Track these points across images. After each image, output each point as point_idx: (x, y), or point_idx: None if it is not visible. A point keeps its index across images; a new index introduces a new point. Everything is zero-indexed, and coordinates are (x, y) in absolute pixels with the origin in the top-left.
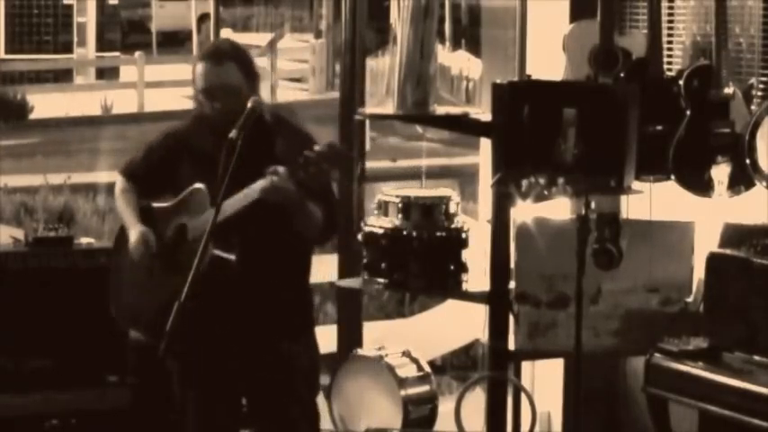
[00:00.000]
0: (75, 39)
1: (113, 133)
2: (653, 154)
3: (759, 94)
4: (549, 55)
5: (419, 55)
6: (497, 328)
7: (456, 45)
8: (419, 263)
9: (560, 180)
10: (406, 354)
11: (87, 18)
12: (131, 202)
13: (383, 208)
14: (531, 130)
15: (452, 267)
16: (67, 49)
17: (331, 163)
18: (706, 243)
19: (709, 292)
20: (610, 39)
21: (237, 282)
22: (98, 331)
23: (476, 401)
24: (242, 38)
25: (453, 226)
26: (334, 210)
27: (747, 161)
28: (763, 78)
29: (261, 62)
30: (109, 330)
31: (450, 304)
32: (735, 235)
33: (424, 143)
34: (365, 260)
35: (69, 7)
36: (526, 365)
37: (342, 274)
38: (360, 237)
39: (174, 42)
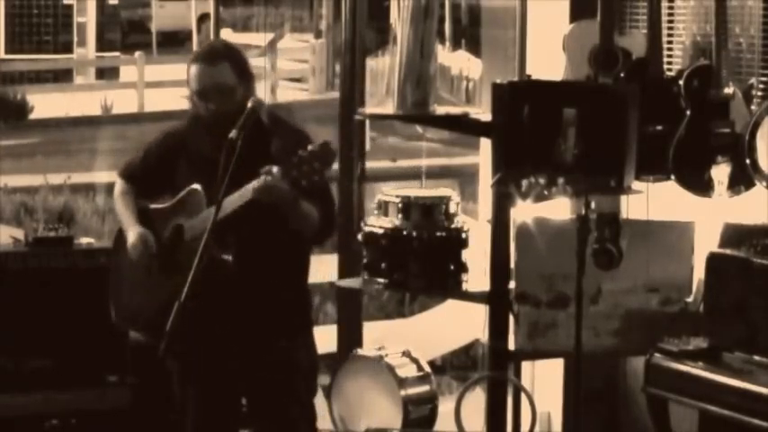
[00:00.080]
0: (75, 39)
1: (113, 133)
2: (653, 154)
3: (759, 94)
4: (549, 55)
5: (419, 55)
6: (497, 328)
7: (456, 45)
8: (419, 263)
9: (560, 180)
10: (406, 354)
11: (87, 18)
12: (130, 203)
13: (383, 208)
14: (531, 130)
15: (452, 267)
16: (67, 49)
17: (324, 162)
18: (706, 243)
19: (709, 292)
20: (610, 39)
21: (235, 282)
22: (98, 331)
23: (476, 401)
24: (242, 38)
25: (453, 226)
26: (332, 209)
27: (747, 161)
28: (763, 78)
29: (261, 62)
30: (109, 330)
31: (450, 304)
32: (735, 235)
33: (424, 143)
34: (365, 260)
35: (69, 7)
36: (526, 365)
37: (342, 274)
38: (360, 237)
39: (174, 42)
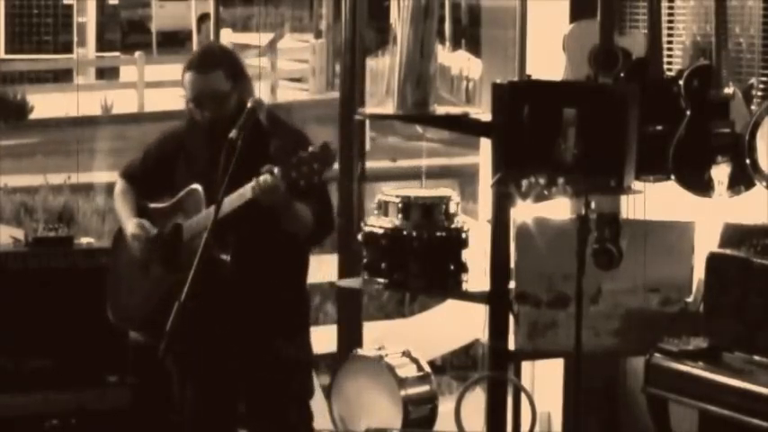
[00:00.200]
0: (75, 39)
1: (113, 133)
2: (653, 154)
3: (759, 94)
4: (549, 55)
5: (419, 55)
6: (497, 328)
7: (456, 45)
8: (419, 263)
9: (560, 180)
10: (406, 354)
11: (87, 18)
12: (129, 201)
13: (383, 208)
14: (531, 130)
15: (452, 267)
16: (67, 49)
17: (324, 163)
18: (706, 243)
19: (709, 292)
20: (610, 39)
21: (233, 282)
22: (98, 331)
23: (476, 401)
24: (242, 38)
25: (453, 226)
26: (328, 210)
27: (747, 161)
28: (763, 78)
29: (261, 62)
30: (109, 330)
31: (450, 304)
32: (735, 235)
33: (424, 143)
34: (365, 260)
35: (69, 7)
36: (526, 365)
37: (342, 274)
38: (360, 237)
39: (174, 42)
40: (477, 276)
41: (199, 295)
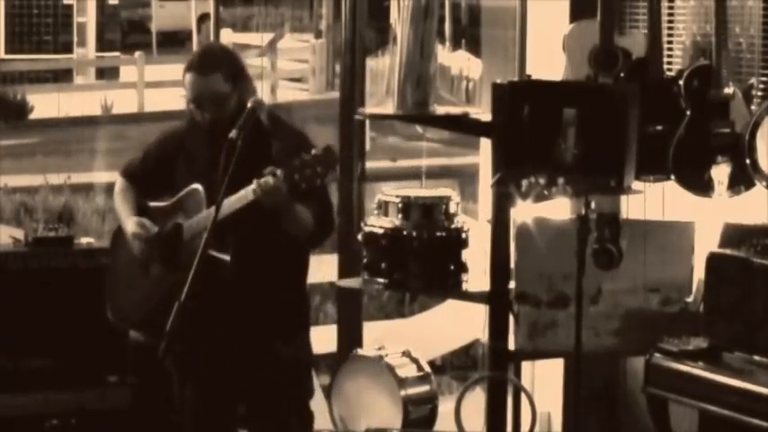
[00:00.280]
0: (75, 39)
1: (113, 133)
2: (653, 154)
3: (759, 94)
4: (549, 55)
5: (419, 55)
6: (497, 328)
7: (456, 45)
8: (419, 263)
9: (560, 180)
10: (406, 354)
11: (87, 18)
12: (129, 200)
13: (383, 208)
14: (531, 130)
15: (452, 267)
16: (67, 49)
17: (327, 166)
18: (706, 243)
19: (709, 292)
20: (610, 39)
21: (233, 282)
22: (98, 331)
23: (476, 401)
24: (242, 38)
25: (453, 226)
26: (328, 212)
27: (747, 161)
28: (763, 78)
29: (261, 62)
30: (109, 330)
31: (450, 304)
32: (735, 235)
33: (424, 143)
34: (365, 260)
35: (69, 7)
36: (526, 365)
37: (342, 274)
38: (360, 237)
39: (174, 42)
40: (477, 276)
41: (199, 295)
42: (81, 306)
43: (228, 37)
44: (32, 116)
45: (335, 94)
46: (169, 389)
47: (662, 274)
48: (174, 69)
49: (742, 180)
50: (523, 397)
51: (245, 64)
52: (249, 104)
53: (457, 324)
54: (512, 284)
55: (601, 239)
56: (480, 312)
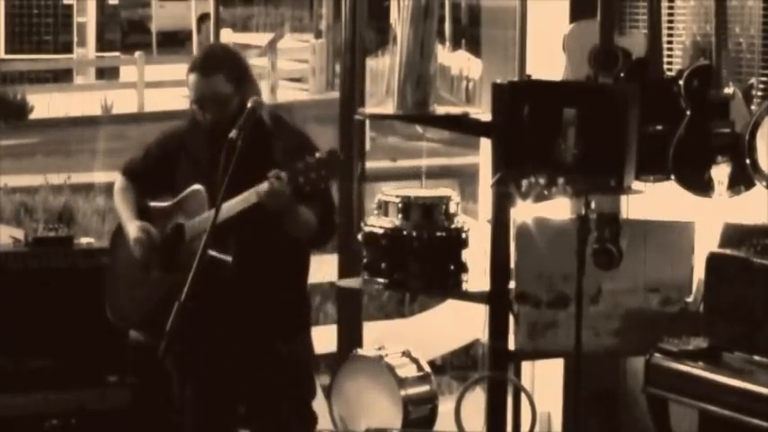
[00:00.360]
0: (75, 39)
1: (113, 133)
2: (653, 154)
3: (759, 94)
4: (549, 55)
5: (419, 55)
6: (497, 328)
7: (456, 45)
8: (419, 263)
9: (560, 180)
10: (406, 354)
11: (87, 18)
12: (130, 199)
13: (383, 208)
14: (531, 130)
15: (452, 267)
16: (67, 49)
17: (331, 170)
18: (706, 243)
19: (709, 292)
20: (610, 39)
21: (234, 282)
22: (98, 331)
23: (476, 401)
24: (242, 38)
25: (453, 226)
26: (331, 214)
27: (747, 161)
28: (763, 78)
29: (261, 62)
30: (109, 330)
31: (450, 304)
32: (735, 235)
33: (424, 143)
34: (365, 260)
35: (69, 7)
36: (526, 365)
37: (342, 274)
38: (360, 237)
39: (174, 42)
40: (477, 276)
41: (199, 295)
42: (81, 306)
43: (228, 37)
44: (32, 116)
45: (335, 94)
46: (169, 389)
47: (662, 274)
48: (173, 69)
49: (742, 180)
50: (523, 397)
51: (249, 65)
52: (249, 105)
53: (457, 324)
54: (512, 284)
55: (601, 239)
56: (480, 312)
